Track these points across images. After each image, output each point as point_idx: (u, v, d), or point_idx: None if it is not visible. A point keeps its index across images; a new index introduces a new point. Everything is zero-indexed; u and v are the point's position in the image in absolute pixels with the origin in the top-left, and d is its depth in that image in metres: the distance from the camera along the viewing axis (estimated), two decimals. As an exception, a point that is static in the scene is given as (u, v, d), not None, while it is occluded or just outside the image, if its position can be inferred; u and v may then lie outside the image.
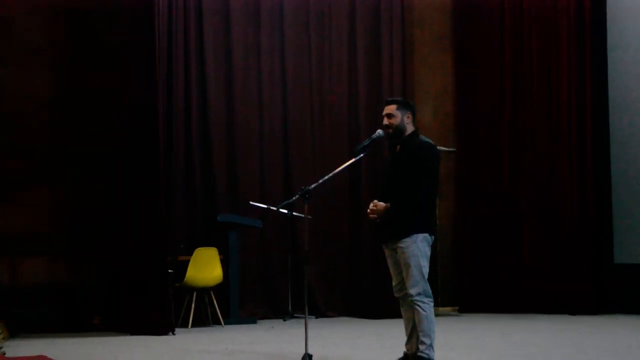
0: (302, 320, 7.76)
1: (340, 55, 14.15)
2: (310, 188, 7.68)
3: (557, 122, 13.62)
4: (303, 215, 7.90)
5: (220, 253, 12.23)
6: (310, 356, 7.40)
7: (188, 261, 11.98)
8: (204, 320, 12.31)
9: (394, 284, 7.64)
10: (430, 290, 7.43)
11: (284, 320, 12.77)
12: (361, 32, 14.15)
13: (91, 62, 12.42)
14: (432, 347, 7.38)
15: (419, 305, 7.35)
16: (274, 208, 12.08)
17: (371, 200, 7.60)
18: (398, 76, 14.09)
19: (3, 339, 10.26)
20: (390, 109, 7.63)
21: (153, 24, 11.36)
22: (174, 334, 10.97)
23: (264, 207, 12.70)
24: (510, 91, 14.19)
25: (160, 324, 11.00)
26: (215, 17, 13.41)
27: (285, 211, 12.09)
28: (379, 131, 7.74)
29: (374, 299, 13.34)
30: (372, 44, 14.17)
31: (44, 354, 9.03)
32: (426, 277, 7.41)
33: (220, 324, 12.16)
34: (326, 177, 7.88)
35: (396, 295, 7.66)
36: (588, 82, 13.34)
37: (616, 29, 13.44)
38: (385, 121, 7.62)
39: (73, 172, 12.38)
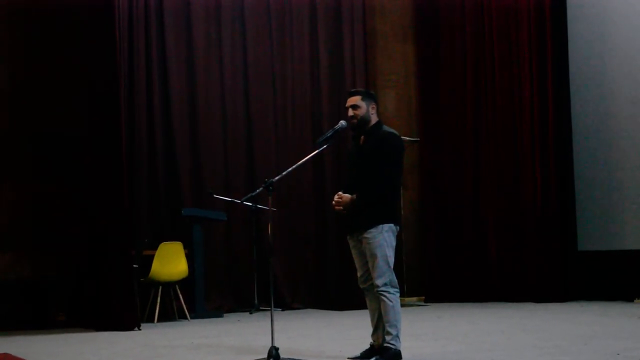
0: (268, 313, 7.73)
1: (302, 47, 14.15)
2: (273, 180, 7.65)
3: (520, 112, 13.66)
4: (267, 208, 7.86)
5: (185, 247, 12.20)
6: (276, 349, 7.38)
7: (153, 256, 11.94)
8: (170, 314, 12.28)
9: (358, 274, 7.63)
10: (396, 281, 7.42)
11: (250, 313, 12.75)
12: (322, 23, 14.15)
13: (50, 58, 12.33)
14: (399, 337, 7.37)
15: (385, 296, 7.34)
16: (238, 201, 12.05)
17: (336, 192, 7.58)
18: (360, 66, 14.11)
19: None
20: (355, 99, 7.60)
21: (113, 17, 11.27)
22: (139, 329, 10.92)
23: (228, 200, 12.67)
24: (472, 81, 14.24)
25: (125, 319, 10.94)
26: (176, 11, 13.35)
27: (250, 204, 12.08)
28: (342, 122, 7.73)
29: (339, 290, 13.37)
30: (334, 34, 14.18)
31: (8, 351, 8.94)
32: (392, 267, 7.41)
33: (186, 318, 12.13)
34: (290, 169, 7.85)
35: (361, 286, 7.65)
36: (549, 74, 13.36)
37: (576, 18, 13.50)
38: (350, 112, 7.58)
39: (35, 167, 12.30)
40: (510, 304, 12.98)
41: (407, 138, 13.65)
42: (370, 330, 7.67)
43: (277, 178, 7.75)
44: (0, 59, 12.44)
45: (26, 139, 12.36)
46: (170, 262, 12.01)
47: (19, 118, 12.41)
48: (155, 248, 12.03)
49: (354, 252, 7.62)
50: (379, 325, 7.53)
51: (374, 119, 7.60)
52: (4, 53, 12.46)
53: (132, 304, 11.11)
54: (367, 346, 7.65)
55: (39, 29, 12.40)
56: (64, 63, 12.21)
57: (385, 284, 7.35)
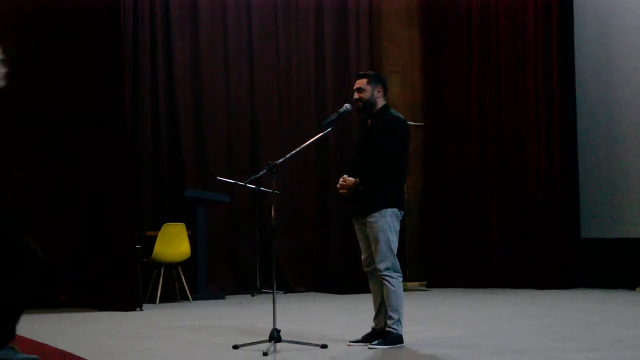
0: (270, 296, 7.74)
1: (308, 30, 14.12)
2: (277, 163, 7.63)
3: (525, 98, 13.65)
4: (271, 190, 7.85)
5: (188, 228, 12.19)
6: (278, 331, 7.38)
7: (156, 237, 11.94)
8: (172, 296, 12.30)
9: (363, 257, 7.62)
10: (398, 265, 7.42)
11: (252, 296, 12.76)
12: (328, 6, 14.10)
13: (52, 37, 12.29)
14: (400, 322, 7.38)
15: (387, 280, 7.34)
16: (242, 183, 12.04)
17: (340, 175, 7.58)
18: (365, 51, 14.08)
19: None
20: (361, 82, 7.59)
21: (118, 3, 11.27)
22: (141, 310, 10.94)
23: (232, 182, 12.65)
24: (477, 66, 14.21)
25: (127, 299, 10.96)
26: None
27: (253, 186, 12.09)
28: (347, 105, 7.72)
29: (342, 274, 13.38)
30: (339, 19, 14.13)
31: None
32: (395, 252, 7.40)
33: (188, 299, 12.13)
34: (293, 152, 7.84)
35: (365, 269, 7.65)
36: (554, 58, 13.35)
37: (582, 9, 13.47)
38: (356, 95, 7.57)
39: (38, 148, 12.27)
40: (512, 290, 12.98)
41: (412, 123, 13.56)
42: (373, 314, 7.68)
43: (280, 160, 7.74)
44: (2, 54, 12.39)
45: (29, 120, 12.32)
46: (173, 243, 12.02)
47: (22, 99, 12.37)
48: (158, 229, 12.03)
49: (358, 235, 7.62)
50: (381, 310, 7.53)
51: (380, 102, 7.58)
52: (6, 47, 12.40)
53: (134, 285, 11.12)
54: (369, 330, 7.65)
55: (41, 12, 12.36)
56: (67, 45, 12.18)
57: (387, 269, 7.34)
